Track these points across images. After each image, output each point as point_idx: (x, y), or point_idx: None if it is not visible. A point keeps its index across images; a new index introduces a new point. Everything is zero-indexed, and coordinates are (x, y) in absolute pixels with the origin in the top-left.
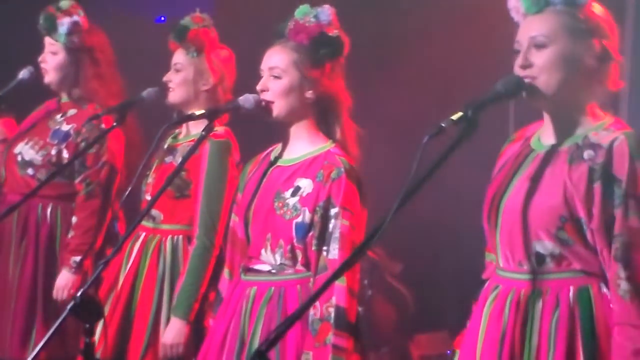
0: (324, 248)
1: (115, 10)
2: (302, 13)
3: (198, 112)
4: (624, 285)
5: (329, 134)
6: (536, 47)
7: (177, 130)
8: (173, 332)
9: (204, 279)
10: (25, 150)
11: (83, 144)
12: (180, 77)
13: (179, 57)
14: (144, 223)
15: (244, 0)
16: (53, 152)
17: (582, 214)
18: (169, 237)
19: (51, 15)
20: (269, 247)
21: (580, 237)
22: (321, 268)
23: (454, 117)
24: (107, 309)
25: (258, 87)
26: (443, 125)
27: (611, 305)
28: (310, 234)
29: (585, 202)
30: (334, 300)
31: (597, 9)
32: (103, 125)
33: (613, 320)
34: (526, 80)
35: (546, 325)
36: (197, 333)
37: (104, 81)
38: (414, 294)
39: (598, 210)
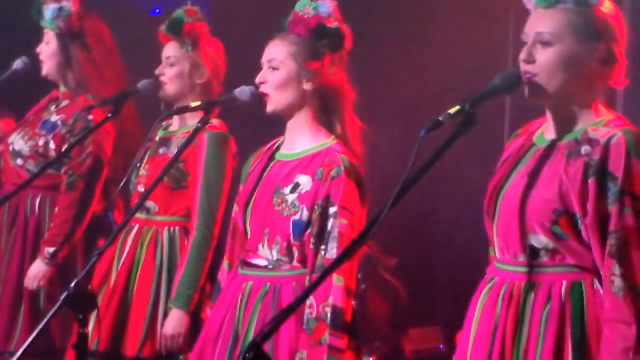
0: (322, 247)
1: (110, 2)
2: (302, 5)
3: (194, 104)
4: (617, 282)
5: (330, 129)
6: (541, 44)
7: (165, 123)
8: (173, 322)
9: (203, 270)
10: (16, 141)
11: (68, 136)
12: (175, 70)
13: (172, 50)
14: (137, 214)
15: None
16: (40, 142)
17: (576, 209)
18: (166, 228)
19: (39, 2)
20: (266, 242)
21: (575, 233)
22: (319, 267)
23: (451, 110)
24: (100, 300)
25: (257, 80)
26: (440, 119)
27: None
28: (308, 231)
29: (580, 198)
30: (331, 299)
31: (608, 8)
32: (91, 117)
33: (604, 316)
34: (526, 76)
35: (537, 318)
36: (195, 324)
37: (96, 66)
38: (407, 288)
39: (592, 205)
